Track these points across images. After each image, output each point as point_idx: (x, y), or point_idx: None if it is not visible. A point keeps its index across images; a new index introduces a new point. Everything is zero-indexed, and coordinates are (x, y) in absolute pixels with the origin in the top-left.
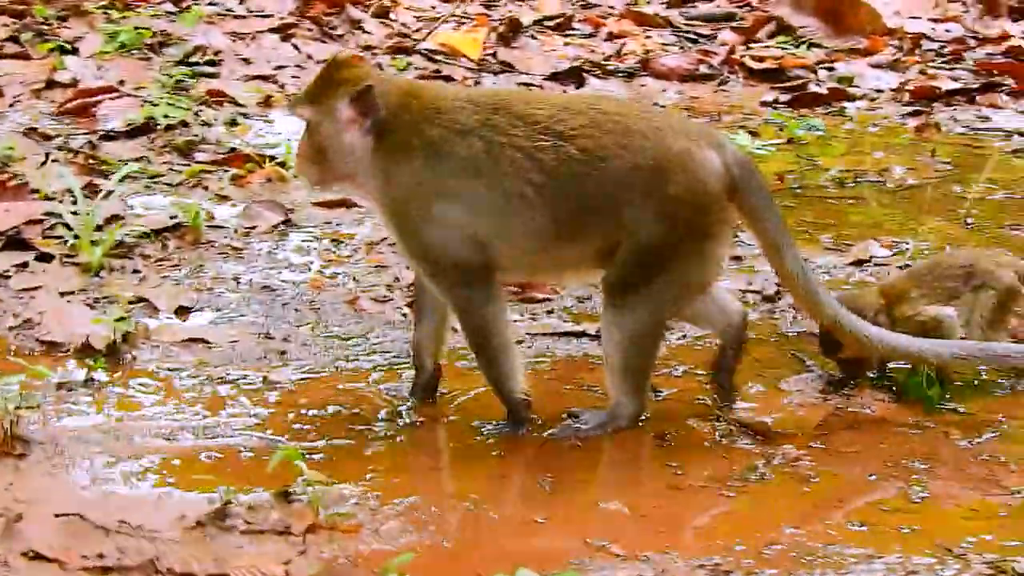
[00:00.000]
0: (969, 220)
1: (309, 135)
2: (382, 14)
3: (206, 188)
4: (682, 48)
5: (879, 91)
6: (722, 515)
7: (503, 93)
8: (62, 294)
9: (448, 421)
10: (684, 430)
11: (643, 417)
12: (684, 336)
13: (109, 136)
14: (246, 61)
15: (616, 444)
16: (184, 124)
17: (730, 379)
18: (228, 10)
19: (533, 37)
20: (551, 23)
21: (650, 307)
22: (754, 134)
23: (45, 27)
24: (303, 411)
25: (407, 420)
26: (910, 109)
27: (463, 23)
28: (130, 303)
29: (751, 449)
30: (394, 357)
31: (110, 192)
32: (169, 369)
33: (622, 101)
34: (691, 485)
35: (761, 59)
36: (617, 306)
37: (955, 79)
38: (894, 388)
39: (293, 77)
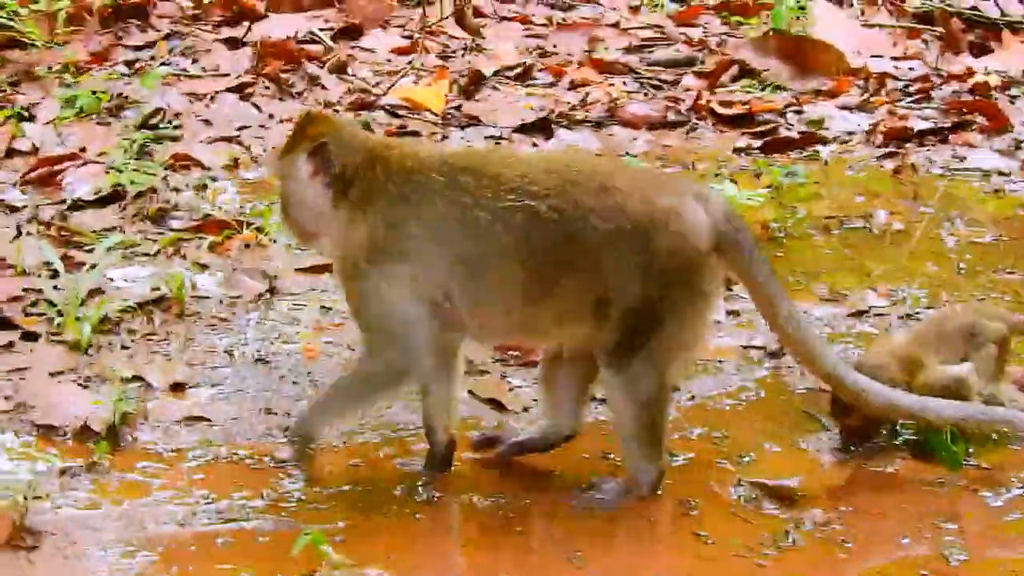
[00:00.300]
0: (962, 265)
1: (280, 190)
2: (339, 69)
3: (184, 257)
4: (647, 95)
5: (850, 133)
6: None
7: (475, 153)
8: (52, 374)
9: (467, 497)
10: (706, 496)
11: (663, 483)
12: (693, 397)
13: (78, 205)
14: (207, 122)
15: (639, 513)
16: (153, 190)
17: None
18: (183, 70)
19: (495, 88)
20: (511, 73)
21: (650, 369)
22: (732, 182)
23: None
24: (316, 490)
25: (424, 496)
26: (884, 151)
27: (421, 76)
28: (123, 381)
29: (777, 514)
30: (401, 429)
31: (94, 265)
32: (173, 450)
33: (599, 157)
34: (722, 554)
35: (729, 104)
36: (617, 372)
37: (925, 118)
38: (914, 445)
39: (256, 137)
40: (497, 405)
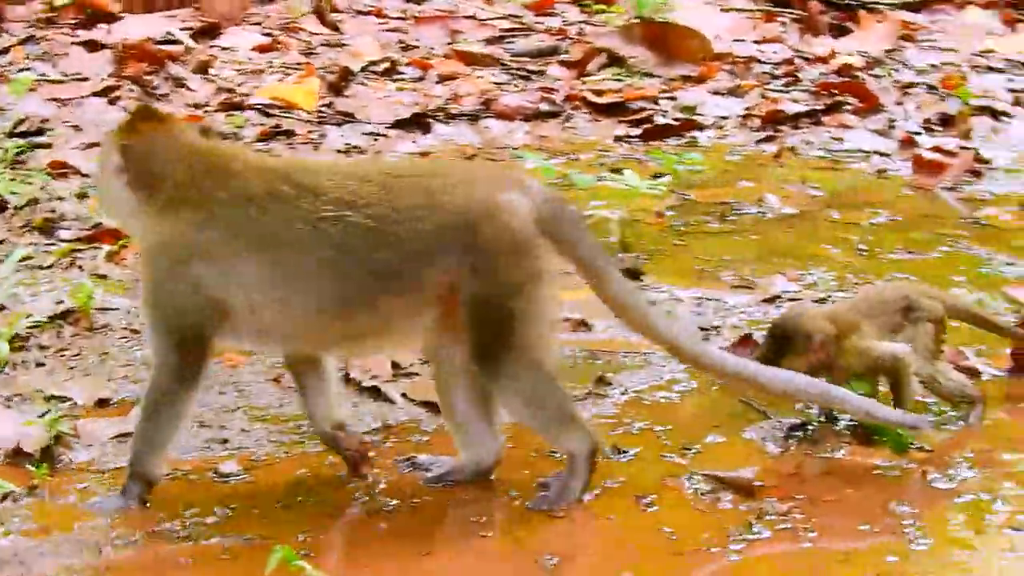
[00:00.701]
0: (862, 247)
1: (95, 174)
2: (202, 69)
3: (81, 268)
4: (516, 86)
5: (724, 118)
6: None
7: (295, 162)
8: None
9: (422, 501)
10: (662, 490)
11: (599, 447)
12: (626, 391)
13: None
14: (76, 128)
15: (601, 511)
16: (35, 200)
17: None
18: (42, 75)
19: (363, 84)
20: (378, 68)
21: (523, 361)
22: (616, 171)
23: None
24: (271, 503)
25: (381, 505)
26: (762, 135)
27: (288, 74)
28: (47, 400)
29: (736, 506)
30: None
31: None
32: (112, 469)
33: (417, 161)
34: (693, 549)
35: (601, 93)
36: (495, 377)
37: (796, 101)
38: (855, 430)
39: None
40: (433, 407)
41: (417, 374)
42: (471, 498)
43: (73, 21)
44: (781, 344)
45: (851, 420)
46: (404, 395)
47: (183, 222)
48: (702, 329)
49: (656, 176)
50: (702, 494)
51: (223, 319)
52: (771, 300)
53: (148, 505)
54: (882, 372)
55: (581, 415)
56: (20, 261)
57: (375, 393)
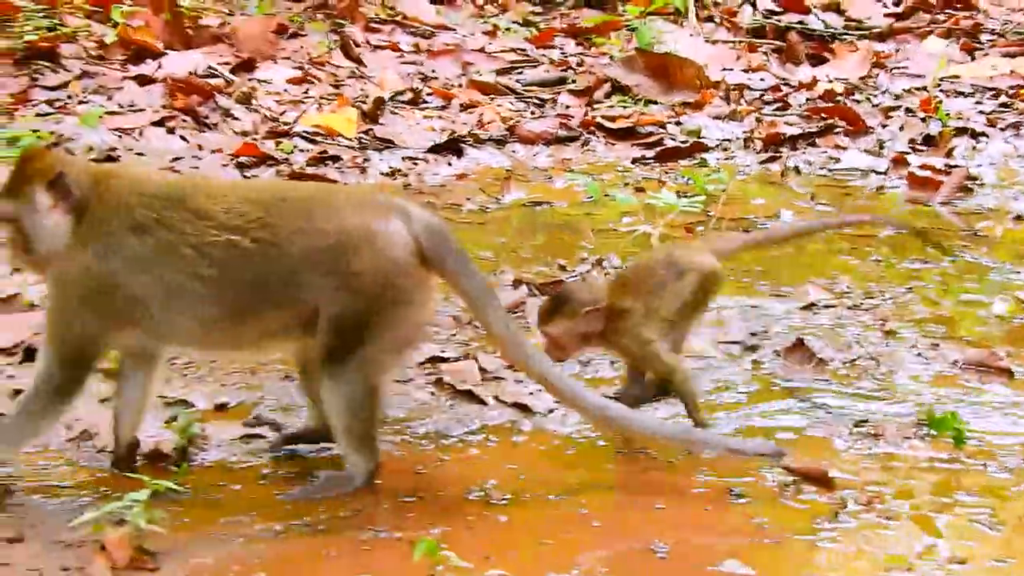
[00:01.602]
0: (878, 257)
1: (15, 229)
2: (245, 100)
3: None
4: (533, 113)
5: (727, 140)
6: (852, 563)
7: (186, 186)
8: (101, 401)
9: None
10: (748, 483)
11: (377, 476)
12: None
13: None
14: (140, 155)
15: (696, 502)
16: None
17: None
18: (99, 106)
19: (393, 112)
20: (404, 98)
21: (359, 373)
22: (640, 190)
23: None
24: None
25: (495, 499)
26: (765, 156)
27: (323, 104)
28: (168, 405)
29: (819, 498)
30: (451, 437)
31: None
32: (245, 466)
33: (303, 186)
34: (785, 537)
35: (613, 118)
36: (329, 375)
37: (790, 124)
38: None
39: (193, 167)
40: (523, 408)
41: (503, 378)
42: (574, 491)
43: (121, 57)
44: (555, 306)
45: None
46: (496, 398)
47: (92, 249)
48: (752, 335)
49: (680, 194)
50: (785, 487)
51: (126, 327)
52: (808, 307)
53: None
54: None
55: (378, 442)
56: None
57: (470, 396)
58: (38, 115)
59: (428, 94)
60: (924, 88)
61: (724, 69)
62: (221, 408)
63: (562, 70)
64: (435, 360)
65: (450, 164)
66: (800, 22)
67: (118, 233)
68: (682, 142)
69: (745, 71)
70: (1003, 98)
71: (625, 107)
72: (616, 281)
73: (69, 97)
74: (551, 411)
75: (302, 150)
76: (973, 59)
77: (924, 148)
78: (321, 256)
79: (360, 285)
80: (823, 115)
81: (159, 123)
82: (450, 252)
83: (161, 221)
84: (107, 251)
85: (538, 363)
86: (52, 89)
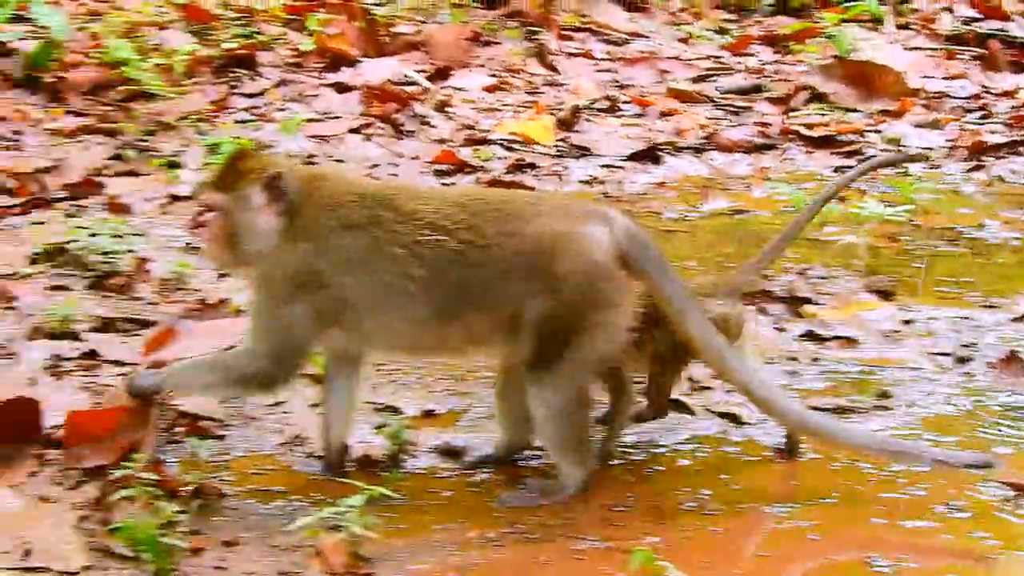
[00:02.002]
0: None
1: (221, 221)
2: (441, 108)
3: None
4: (731, 121)
5: (928, 149)
6: None
7: (393, 189)
8: (311, 406)
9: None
10: (968, 497)
11: (587, 486)
12: (912, 404)
13: None
14: (339, 161)
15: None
16: None
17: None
18: (297, 113)
19: (589, 120)
20: (599, 106)
21: (565, 379)
22: (841, 199)
23: (141, 143)
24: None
25: (708, 510)
26: (969, 164)
27: (519, 112)
28: (377, 411)
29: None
30: (662, 446)
31: None
32: (456, 474)
33: (507, 192)
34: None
35: (811, 126)
36: (535, 382)
37: (993, 132)
38: None
39: (391, 174)
40: (732, 418)
41: (711, 387)
42: (788, 503)
43: (318, 65)
44: None
45: None
46: (705, 407)
47: (303, 249)
48: (962, 346)
49: (885, 204)
50: (1006, 501)
51: (332, 329)
52: (1021, 319)
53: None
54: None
55: (591, 452)
56: None
57: (678, 405)
58: (237, 122)
59: (624, 102)
60: None
61: (923, 77)
62: (429, 415)
63: (758, 78)
64: None
65: (648, 172)
66: (1000, 29)
67: (331, 233)
68: (882, 150)
69: (944, 79)
70: None
71: (823, 115)
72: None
73: (267, 104)
74: (761, 421)
75: (500, 158)
76: None
77: None
78: (524, 259)
79: (563, 288)
80: None
81: (356, 130)
82: (650, 258)
83: (373, 221)
84: (319, 251)
85: (740, 371)
86: (250, 96)
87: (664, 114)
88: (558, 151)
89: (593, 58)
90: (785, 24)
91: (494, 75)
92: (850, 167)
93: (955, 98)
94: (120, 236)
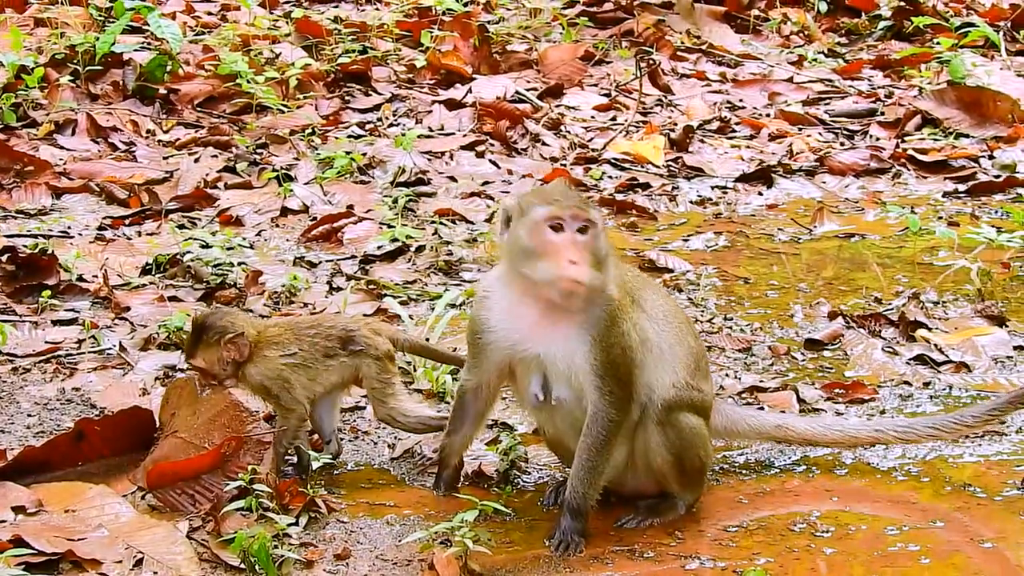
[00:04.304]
0: None
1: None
2: (554, 126)
3: None
4: (842, 144)
5: None
6: None
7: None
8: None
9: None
10: None
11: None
12: (1021, 430)
13: (368, 260)
14: (451, 179)
15: None
16: (434, 245)
17: None
18: (410, 129)
19: (701, 141)
20: (711, 127)
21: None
22: (953, 224)
23: (254, 156)
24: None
25: (822, 530)
26: None
27: (630, 132)
28: (489, 427)
29: None
30: (772, 467)
31: (438, 318)
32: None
33: None
34: None
35: (925, 151)
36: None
37: None
38: None
39: (503, 192)
40: None
41: (823, 409)
42: (899, 526)
43: (431, 81)
44: (198, 334)
45: None
46: None
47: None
48: None
49: (998, 230)
50: None
51: None
52: None
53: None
54: (267, 397)
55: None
56: (432, 300)
57: None
58: (350, 137)
59: (736, 123)
60: None
61: None
62: (538, 433)
63: (871, 102)
64: (754, 390)
65: (760, 194)
66: None
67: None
68: (995, 176)
69: None
70: None
71: (936, 140)
72: (279, 324)
73: (380, 120)
74: (873, 444)
75: (611, 177)
76: None
77: None
78: None
79: None
80: None
81: (469, 147)
82: None
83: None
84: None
85: None
86: (363, 111)
87: (775, 136)
88: (669, 171)
89: (706, 79)
90: (898, 48)
91: (606, 94)
92: (962, 192)
93: None
94: (232, 248)
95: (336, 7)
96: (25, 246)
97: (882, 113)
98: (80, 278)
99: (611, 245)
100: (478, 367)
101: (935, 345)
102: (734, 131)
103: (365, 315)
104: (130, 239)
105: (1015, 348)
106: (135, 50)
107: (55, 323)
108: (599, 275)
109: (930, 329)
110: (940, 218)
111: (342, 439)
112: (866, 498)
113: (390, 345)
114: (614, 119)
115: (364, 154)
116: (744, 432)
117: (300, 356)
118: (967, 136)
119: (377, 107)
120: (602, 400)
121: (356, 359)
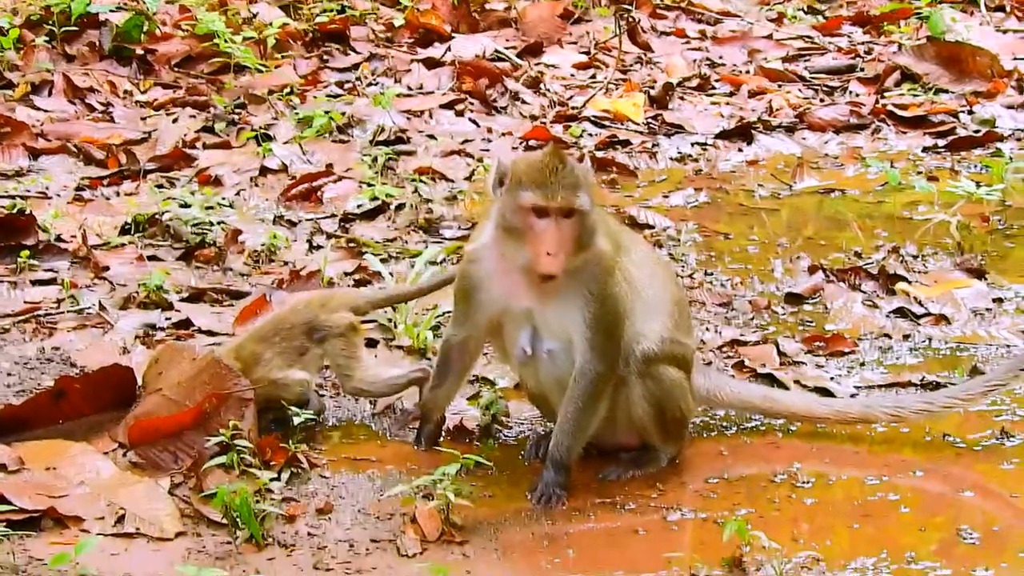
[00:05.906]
0: None
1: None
2: (533, 85)
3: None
4: (822, 100)
5: (1021, 130)
6: None
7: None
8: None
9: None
10: None
11: None
12: None
13: (348, 218)
14: (431, 137)
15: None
16: (413, 202)
17: None
18: (389, 88)
19: (681, 98)
20: (691, 84)
21: None
22: (932, 179)
23: (232, 116)
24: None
25: (807, 482)
26: None
27: (610, 89)
28: (470, 382)
29: None
30: (761, 423)
31: (418, 275)
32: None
33: None
34: None
35: (904, 107)
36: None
37: None
38: None
39: (483, 150)
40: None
41: (803, 362)
42: (879, 476)
43: (409, 40)
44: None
45: None
46: (796, 381)
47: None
48: None
49: (977, 184)
50: None
51: None
52: None
53: None
54: (287, 400)
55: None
56: (411, 258)
57: (770, 379)
58: (329, 96)
59: (716, 80)
60: None
61: (1016, 58)
62: (519, 387)
63: (850, 58)
64: (735, 343)
65: (740, 150)
66: None
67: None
68: (975, 131)
69: None
70: None
71: (915, 96)
72: (244, 340)
73: (358, 79)
74: (852, 395)
75: (591, 134)
76: None
77: None
78: None
79: None
80: None
81: (448, 105)
82: None
83: None
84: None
85: None
86: (342, 71)
87: (755, 93)
88: (649, 128)
89: (685, 36)
90: (877, 4)
91: (585, 52)
92: (942, 147)
93: None
94: (211, 208)
95: None
96: (2, 207)
97: (862, 69)
98: (59, 238)
99: (599, 208)
100: (466, 322)
101: (915, 298)
102: (714, 88)
103: (345, 274)
104: (108, 199)
105: (994, 300)
106: (111, 11)
107: (34, 283)
108: (579, 257)
109: (910, 282)
110: (920, 173)
111: (323, 395)
112: (847, 450)
113: (350, 315)
114: (594, 77)
115: (343, 113)
116: (729, 400)
117: (278, 363)
118: (946, 91)
119: (356, 66)
120: (591, 353)
121: (323, 344)
